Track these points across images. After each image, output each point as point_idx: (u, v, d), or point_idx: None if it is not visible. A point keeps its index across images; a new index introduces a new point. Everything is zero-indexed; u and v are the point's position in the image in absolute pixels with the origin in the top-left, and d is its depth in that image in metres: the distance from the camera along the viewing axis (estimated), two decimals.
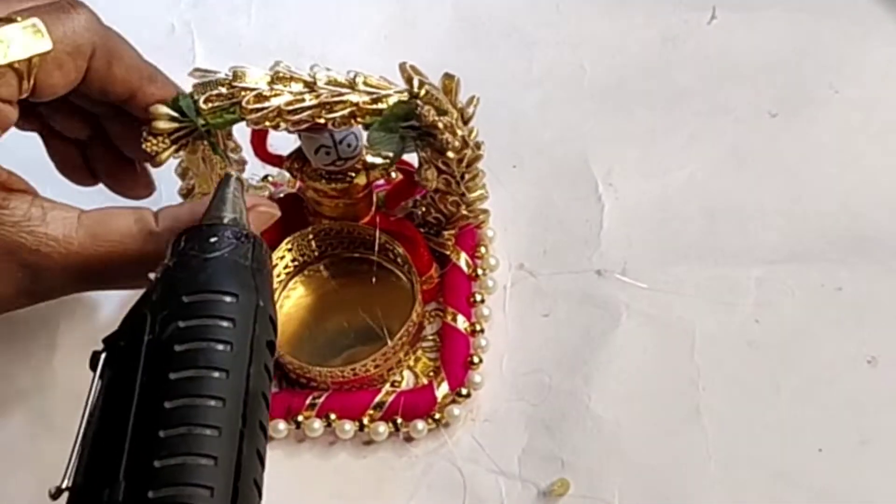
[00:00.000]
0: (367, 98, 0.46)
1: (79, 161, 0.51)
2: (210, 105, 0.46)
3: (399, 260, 0.54)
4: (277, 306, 0.48)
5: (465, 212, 0.53)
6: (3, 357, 0.55)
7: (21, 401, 0.54)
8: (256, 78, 0.46)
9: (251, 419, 0.37)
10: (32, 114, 0.48)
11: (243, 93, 0.46)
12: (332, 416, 0.51)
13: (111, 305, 0.56)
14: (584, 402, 0.52)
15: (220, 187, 0.43)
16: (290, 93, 0.46)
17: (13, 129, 0.48)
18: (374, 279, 0.54)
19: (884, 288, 0.53)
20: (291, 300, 0.55)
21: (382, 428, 0.51)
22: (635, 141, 0.59)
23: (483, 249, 0.56)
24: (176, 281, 0.39)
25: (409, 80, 0.47)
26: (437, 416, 0.51)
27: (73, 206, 0.44)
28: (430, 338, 0.54)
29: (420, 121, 0.47)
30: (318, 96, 0.46)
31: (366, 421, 0.51)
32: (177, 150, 0.47)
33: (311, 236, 0.55)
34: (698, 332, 0.53)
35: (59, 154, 0.51)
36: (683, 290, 0.54)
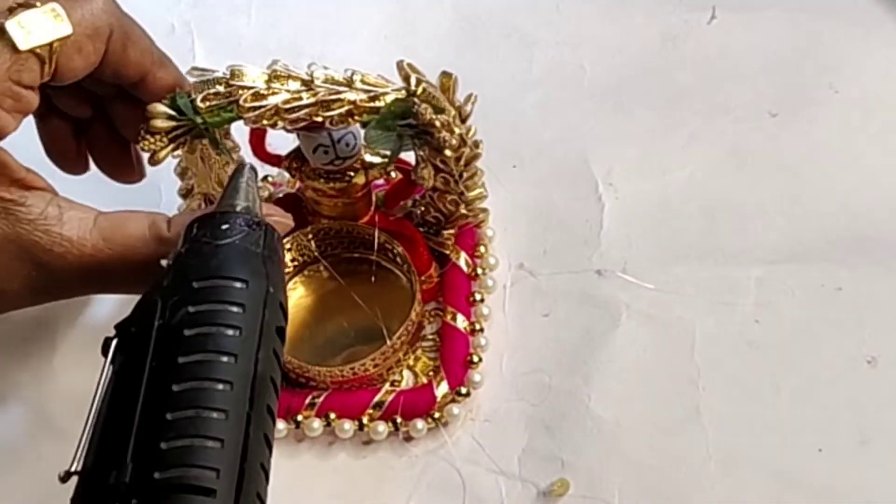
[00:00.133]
0: (364, 96, 0.46)
1: (71, 145, 0.51)
2: (208, 104, 0.46)
3: (398, 259, 0.54)
4: None
5: (464, 211, 0.53)
6: (3, 357, 0.55)
7: (21, 401, 0.54)
8: (254, 76, 0.46)
9: (259, 403, 0.38)
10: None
11: (241, 91, 0.46)
12: (332, 416, 0.51)
13: (111, 306, 0.56)
14: (584, 402, 0.52)
15: (233, 176, 0.44)
16: (288, 91, 0.46)
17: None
18: (373, 279, 0.54)
19: (884, 288, 0.53)
20: (291, 300, 0.54)
21: (382, 427, 0.51)
22: (635, 141, 0.59)
23: (483, 249, 0.56)
24: (187, 267, 0.40)
25: (406, 78, 0.47)
26: (437, 415, 0.51)
27: (92, 208, 0.44)
28: (430, 337, 0.54)
29: (417, 119, 0.47)
30: (315, 94, 0.46)
31: (365, 420, 0.51)
32: (175, 149, 0.47)
33: (310, 236, 0.55)
34: (698, 332, 0.53)
35: (52, 136, 0.51)
36: (683, 290, 0.54)
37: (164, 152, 0.47)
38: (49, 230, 0.43)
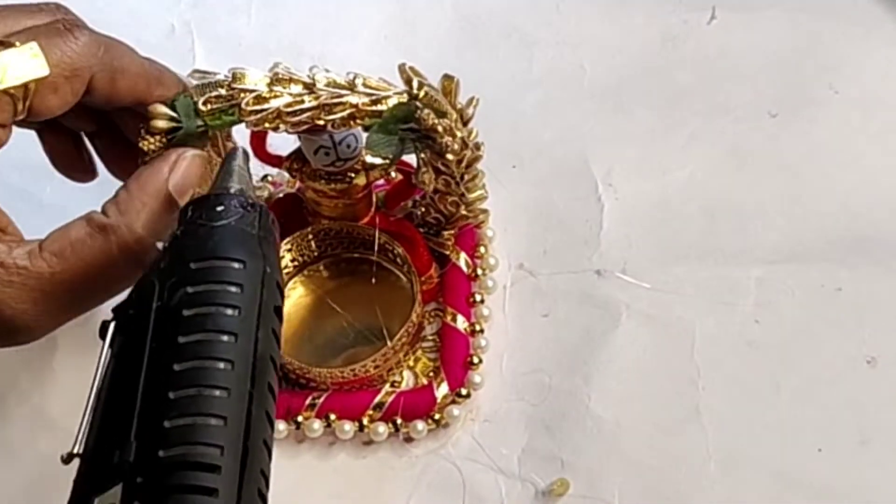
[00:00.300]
0: (366, 99, 0.46)
1: (75, 157, 0.51)
2: (209, 107, 0.46)
3: (399, 260, 0.54)
4: None
5: (464, 212, 0.53)
6: (3, 357, 0.55)
7: (21, 401, 0.54)
8: (256, 79, 0.46)
9: (260, 381, 0.38)
10: None
11: (242, 94, 0.46)
12: (332, 417, 0.51)
13: (111, 306, 0.56)
14: (584, 402, 0.52)
15: (226, 160, 0.44)
16: (290, 94, 0.46)
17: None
18: (373, 279, 0.54)
19: (884, 288, 0.53)
20: (291, 300, 0.55)
21: (382, 428, 0.51)
22: (635, 141, 0.59)
23: (483, 249, 0.56)
24: (184, 248, 0.40)
25: (408, 82, 0.47)
26: (437, 416, 0.51)
27: (32, 240, 0.44)
28: (430, 338, 0.54)
29: (419, 124, 0.47)
30: (317, 98, 0.46)
31: (365, 421, 0.51)
32: None
33: (310, 236, 0.55)
34: (698, 332, 0.53)
35: (56, 149, 0.51)
36: (683, 290, 0.54)
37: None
38: (3, 262, 0.42)
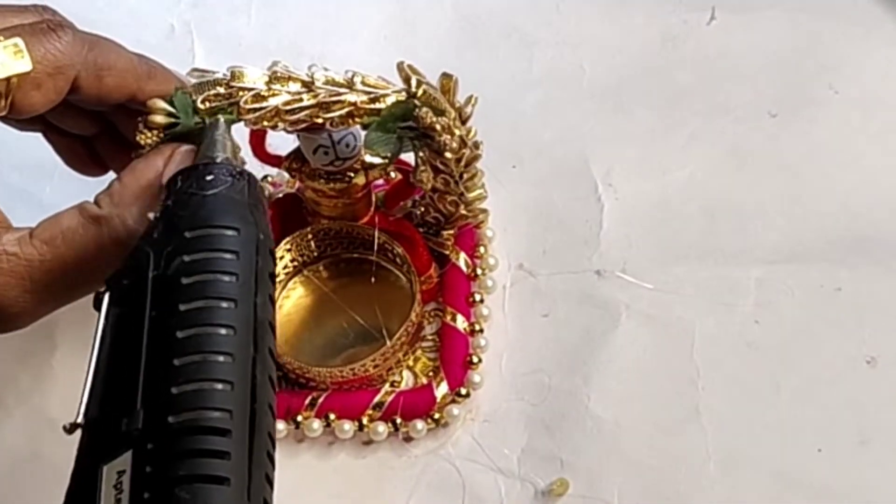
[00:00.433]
0: (364, 98, 0.46)
1: (84, 153, 0.51)
2: (208, 105, 0.46)
3: (398, 260, 0.54)
4: (277, 307, 0.48)
5: (464, 211, 0.53)
6: (3, 357, 0.55)
7: (21, 401, 0.54)
8: (254, 78, 0.46)
9: (261, 346, 0.38)
10: (35, 116, 0.48)
11: (241, 93, 0.46)
12: (332, 416, 0.51)
13: None
14: (583, 402, 0.52)
15: (209, 130, 0.44)
16: (288, 93, 0.46)
17: (13, 130, 0.48)
18: (373, 279, 0.54)
19: (884, 288, 0.53)
20: (291, 300, 0.55)
21: (382, 428, 0.51)
22: (635, 141, 0.59)
23: (482, 249, 0.56)
24: (177, 218, 0.40)
25: (406, 80, 0.47)
26: (437, 415, 0.51)
27: (23, 228, 0.44)
28: (430, 338, 0.54)
29: (418, 122, 0.47)
30: (315, 96, 0.46)
31: (365, 421, 0.51)
32: None
33: (310, 236, 0.55)
34: (698, 332, 0.53)
35: (64, 150, 0.51)
36: (683, 290, 0.54)
37: None
38: None
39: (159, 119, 0.45)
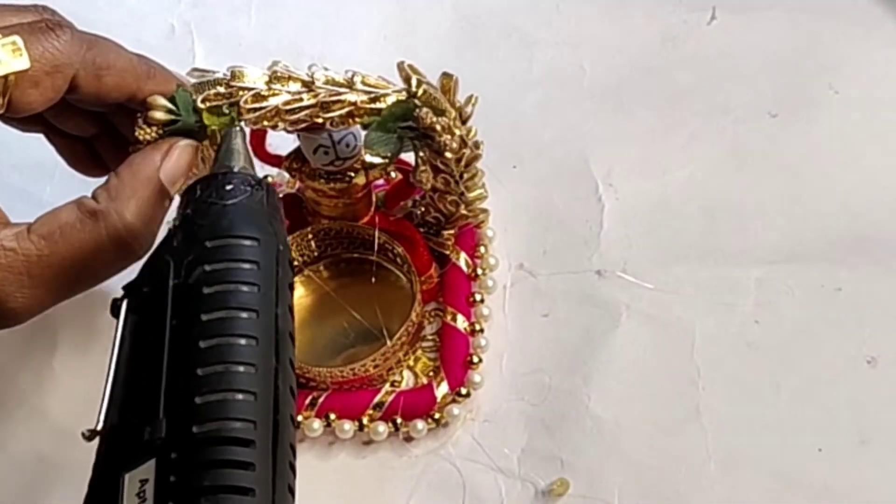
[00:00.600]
0: (365, 97, 0.46)
1: (86, 154, 0.51)
2: (208, 104, 0.46)
3: (398, 260, 0.54)
4: None
5: (464, 211, 0.53)
6: (3, 357, 0.55)
7: (21, 401, 0.54)
8: (254, 77, 0.46)
9: (283, 357, 0.39)
10: (35, 116, 0.48)
11: (241, 92, 0.46)
12: (332, 416, 0.51)
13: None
14: (583, 402, 0.52)
15: (225, 139, 0.44)
16: (289, 92, 0.46)
17: (13, 130, 0.48)
18: (373, 279, 0.54)
19: (884, 288, 0.53)
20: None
21: (382, 428, 0.51)
22: (635, 141, 0.59)
23: (483, 249, 0.56)
24: (197, 227, 0.40)
25: (406, 80, 0.47)
26: (437, 415, 0.51)
27: (20, 223, 0.44)
28: (430, 337, 0.54)
29: (418, 122, 0.47)
30: (316, 96, 0.46)
31: (365, 421, 0.51)
32: None
33: (310, 236, 0.55)
34: (698, 332, 0.53)
35: (66, 151, 0.51)
36: (683, 290, 0.54)
37: None
38: None
39: (159, 115, 0.45)
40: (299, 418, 0.51)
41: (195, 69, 0.47)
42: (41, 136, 0.51)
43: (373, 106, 0.47)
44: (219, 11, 0.66)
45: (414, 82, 0.46)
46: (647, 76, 0.61)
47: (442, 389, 0.52)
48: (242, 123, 0.45)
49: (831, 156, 0.57)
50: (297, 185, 0.56)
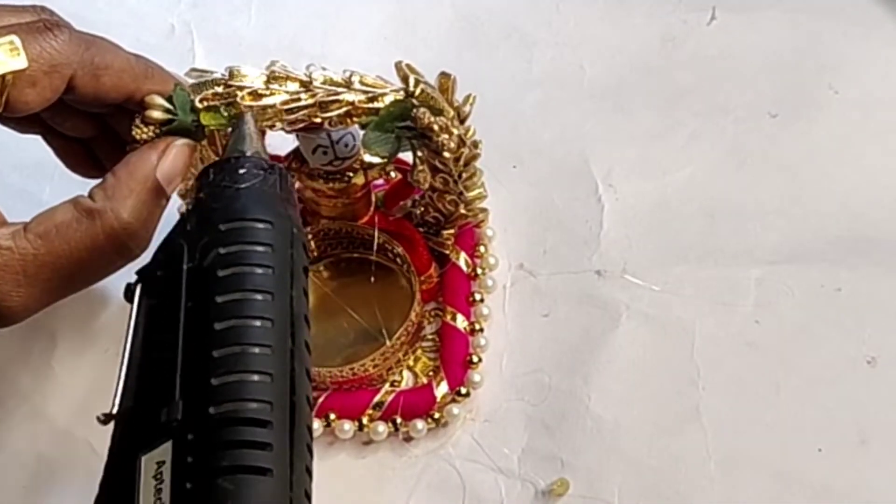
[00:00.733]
0: (362, 97, 0.46)
1: (84, 156, 0.51)
2: (206, 104, 0.46)
3: (398, 259, 0.54)
4: None
5: (463, 211, 0.53)
6: (3, 357, 0.55)
7: (21, 401, 0.54)
8: (253, 77, 0.46)
9: (298, 339, 0.39)
10: (33, 117, 0.48)
11: (239, 92, 0.46)
12: (332, 416, 0.51)
13: (111, 306, 0.56)
14: (583, 402, 0.52)
15: (237, 125, 0.45)
16: (287, 92, 0.46)
17: (13, 132, 0.48)
18: (373, 279, 0.54)
19: (884, 288, 0.53)
20: None
21: (382, 428, 0.51)
22: (635, 141, 0.59)
23: (482, 249, 0.56)
24: (210, 211, 0.40)
25: (404, 79, 0.47)
26: (437, 415, 0.51)
27: (17, 222, 0.44)
28: (430, 337, 0.54)
29: (416, 122, 0.47)
30: (314, 95, 0.46)
31: (365, 421, 0.51)
32: None
33: (310, 236, 0.55)
34: (698, 332, 0.53)
35: (64, 152, 0.51)
36: (683, 290, 0.54)
37: None
38: None
39: (156, 115, 0.45)
40: None
41: (193, 69, 0.47)
42: (41, 137, 0.51)
43: (371, 106, 0.47)
44: (219, 11, 0.66)
45: (412, 82, 0.46)
46: (647, 76, 0.61)
47: (442, 389, 0.52)
48: (249, 111, 0.45)
49: (831, 156, 0.57)
50: (297, 185, 0.56)
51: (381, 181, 0.56)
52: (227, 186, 0.41)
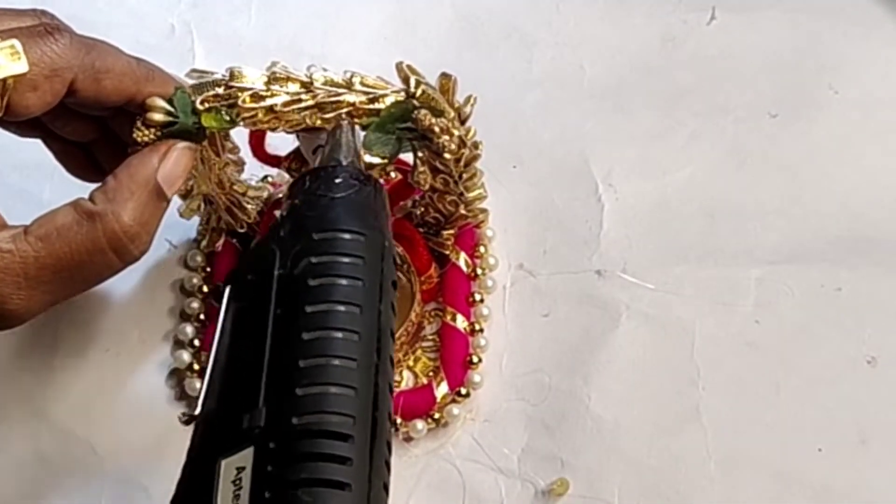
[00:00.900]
0: (363, 98, 0.46)
1: (84, 160, 0.51)
2: (207, 105, 0.46)
3: (398, 260, 0.54)
4: None
5: (463, 211, 0.53)
6: (3, 357, 0.55)
7: (21, 401, 0.54)
8: (253, 78, 0.46)
9: (384, 354, 0.39)
10: (34, 121, 0.48)
11: (240, 93, 0.46)
12: None
13: (111, 307, 0.56)
14: (583, 402, 0.52)
15: (334, 133, 0.45)
16: (287, 93, 0.46)
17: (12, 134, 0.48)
18: None
19: (884, 288, 0.53)
20: None
21: None
22: (635, 141, 0.59)
23: (482, 249, 0.56)
24: (305, 219, 0.41)
25: (405, 80, 0.47)
26: (437, 415, 0.51)
27: (17, 225, 0.44)
28: (430, 337, 0.54)
29: (416, 123, 0.47)
30: (314, 97, 0.46)
31: None
32: None
33: None
34: (698, 332, 0.53)
35: (64, 156, 0.51)
36: (683, 290, 0.54)
37: None
38: None
39: (158, 117, 0.45)
40: None
41: (194, 70, 0.47)
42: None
43: (371, 107, 0.47)
44: (219, 11, 0.66)
45: (412, 83, 0.46)
46: (647, 76, 0.61)
47: (442, 389, 0.52)
48: (348, 119, 0.46)
49: (831, 156, 0.57)
50: None
51: (381, 182, 0.55)
52: (322, 195, 0.41)
